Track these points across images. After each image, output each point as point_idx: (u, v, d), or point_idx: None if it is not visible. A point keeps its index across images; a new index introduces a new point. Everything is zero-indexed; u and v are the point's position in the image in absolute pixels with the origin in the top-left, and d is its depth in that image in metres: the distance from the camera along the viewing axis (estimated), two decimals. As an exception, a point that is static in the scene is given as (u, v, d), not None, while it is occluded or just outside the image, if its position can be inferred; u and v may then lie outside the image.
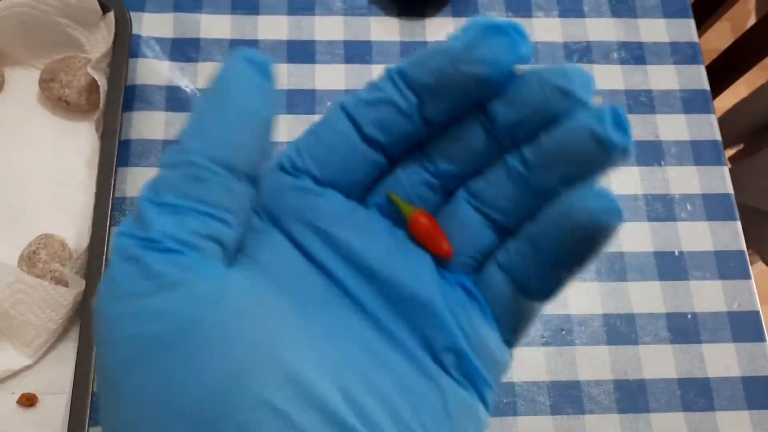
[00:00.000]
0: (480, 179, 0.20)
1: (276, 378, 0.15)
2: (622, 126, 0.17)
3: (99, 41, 0.47)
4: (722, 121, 0.80)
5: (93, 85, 0.46)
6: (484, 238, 0.20)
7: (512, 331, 0.20)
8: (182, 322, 0.16)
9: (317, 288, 0.19)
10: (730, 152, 0.85)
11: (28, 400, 0.40)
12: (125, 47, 0.45)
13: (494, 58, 0.18)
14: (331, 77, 0.50)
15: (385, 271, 0.19)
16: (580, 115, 0.18)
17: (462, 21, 0.52)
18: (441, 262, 0.21)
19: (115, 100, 0.44)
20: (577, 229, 0.17)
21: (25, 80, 0.48)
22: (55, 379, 0.41)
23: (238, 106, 0.17)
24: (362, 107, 0.20)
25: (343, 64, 0.51)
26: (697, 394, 0.43)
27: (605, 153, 0.17)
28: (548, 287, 0.19)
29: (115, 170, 0.43)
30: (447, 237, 0.20)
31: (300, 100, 0.49)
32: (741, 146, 0.83)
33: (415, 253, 0.20)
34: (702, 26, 0.77)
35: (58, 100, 0.46)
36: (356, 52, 0.51)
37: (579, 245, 0.18)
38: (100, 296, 0.17)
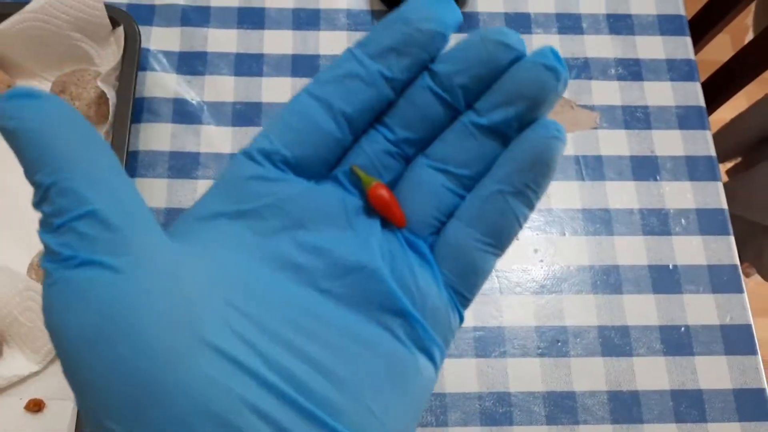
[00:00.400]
0: (437, 142, 0.23)
1: (204, 353, 0.18)
2: (560, 59, 0.21)
3: (108, 55, 0.49)
4: (721, 135, 0.82)
5: (102, 97, 0.47)
6: (444, 198, 0.23)
7: (468, 287, 0.23)
8: (112, 320, 0.18)
9: (259, 266, 0.21)
10: (728, 165, 0.86)
11: (35, 406, 0.41)
12: (134, 61, 0.47)
13: (442, 17, 0.22)
14: (335, 91, 0.51)
15: (334, 245, 0.21)
16: (526, 58, 0.21)
17: (463, 37, 0.53)
18: (399, 226, 0.23)
19: (123, 113, 0.45)
20: (538, 152, 0.21)
21: (35, 92, 0.49)
22: (62, 385, 0.42)
23: (39, 126, 0.19)
24: (327, 86, 0.22)
25: (346, 79, 0.52)
26: (689, 405, 0.44)
27: (556, 79, 0.21)
28: (507, 228, 0.22)
29: (123, 181, 0.44)
30: (401, 206, 0.22)
31: (304, 114, 0.50)
32: (739, 160, 0.84)
33: (364, 224, 0.22)
34: (702, 39, 0.78)
35: (68, 112, 0.47)
36: (359, 66, 0.52)
37: (538, 169, 0.22)
38: (44, 317, 0.19)
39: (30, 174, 0.19)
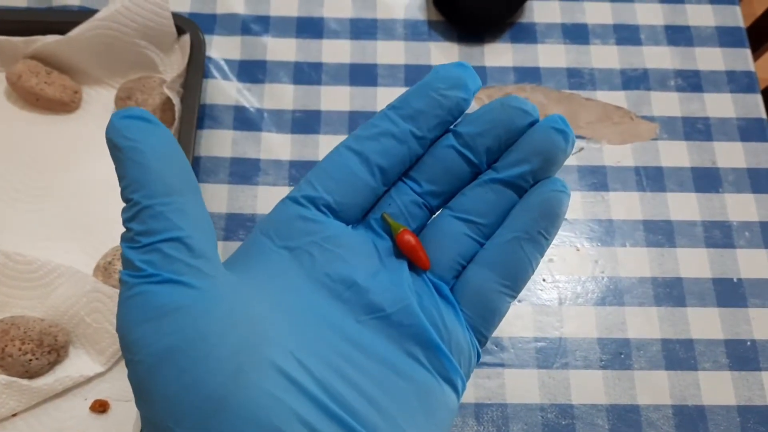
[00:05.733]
0: (459, 196, 0.26)
1: (269, 372, 0.20)
2: (567, 125, 0.25)
3: (172, 62, 0.49)
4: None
5: (166, 104, 0.47)
6: (465, 245, 0.25)
7: (486, 326, 0.25)
8: (189, 335, 0.20)
9: (310, 296, 0.23)
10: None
11: (100, 406, 0.41)
12: (200, 69, 0.47)
13: (466, 84, 0.25)
14: (392, 99, 0.51)
15: (370, 281, 0.24)
16: (539, 123, 0.25)
17: (520, 47, 0.54)
18: (424, 269, 0.25)
19: (189, 119, 0.46)
20: (549, 204, 0.24)
21: (101, 98, 0.50)
22: (127, 386, 0.42)
23: (147, 150, 0.21)
24: (365, 142, 0.25)
25: (404, 88, 0.52)
26: (757, 422, 0.43)
27: (566, 141, 0.24)
28: (522, 271, 0.25)
29: (189, 186, 0.44)
30: (426, 251, 0.25)
31: (362, 122, 0.50)
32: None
33: (395, 264, 0.25)
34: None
35: (133, 118, 0.48)
36: (417, 75, 0.52)
37: (549, 219, 0.24)
38: (119, 326, 0.21)
39: (127, 191, 0.21)
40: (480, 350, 0.25)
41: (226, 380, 0.19)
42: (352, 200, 0.25)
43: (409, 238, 0.24)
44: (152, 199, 0.21)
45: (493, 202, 0.25)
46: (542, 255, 0.25)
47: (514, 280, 0.25)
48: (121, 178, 0.21)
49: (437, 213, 0.26)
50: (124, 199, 0.21)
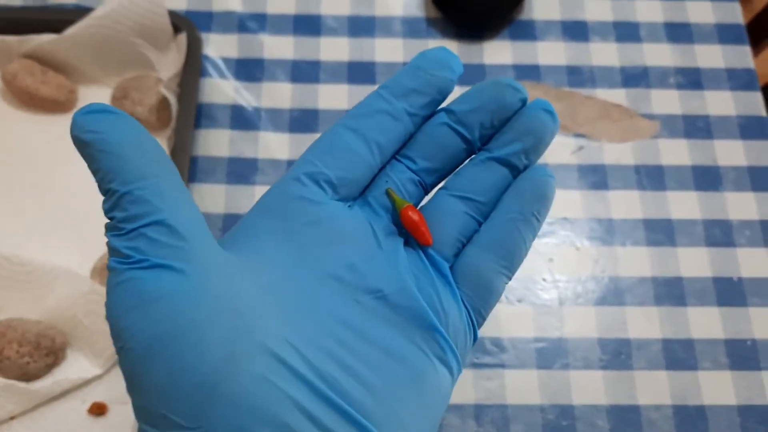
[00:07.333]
0: (454, 176, 0.26)
1: (262, 358, 0.20)
2: (553, 107, 0.26)
3: (168, 61, 0.49)
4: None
5: (163, 103, 0.47)
6: (465, 223, 0.26)
7: (484, 306, 0.25)
8: (178, 322, 0.20)
9: (302, 279, 0.23)
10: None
11: (98, 409, 0.41)
12: (197, 68, 0.47)
13: (452, 66, 0.26)
14: (391, 98, 0.51)
15: (366, 263, 0.24)
16: (529, 104, 0.26)
17: (519, 44, 0.53)
18: (425, 247, 0.25)
19: (187, 119, 0.45)
20: (540, 187, 0.25)
21: (95, 98, 0.49)
22: (125, 389, 0.42)
23: (115, 140, 0.21)
24: (361, 119, 0.25)
25: (403, 86, 0.51)
26: (757, 421, 0.43)
27: (554, 121, 0.26)
28: (518, 251, 0.25)
29: (187, 186, 0.44)
30: (429, 227, 0.25)
31: (360, 121, 0.50)
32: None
33: (392, 244, 0.25)
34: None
35: (130, 118, 0.47)
36: (415, 74, 0.52)
37: (541, 201, 0.25)
38: (109, 314, 0.21)
39: (104, 182, 0.21)
40: (477, 332, 0.25)
41: (217, 367, 0.19)
42: (352, 176, 0.25)
43: (413, 214, 0.25)
44: (129, 184, 0.21)
45: (490, 180, 0.26)
46: (535, 236, 0.26)
47: (511, 261, 0.25)
48: (95, 173, 0.21)
49: (432, 193, 0.27)
50: (102, 191, 0.21)
